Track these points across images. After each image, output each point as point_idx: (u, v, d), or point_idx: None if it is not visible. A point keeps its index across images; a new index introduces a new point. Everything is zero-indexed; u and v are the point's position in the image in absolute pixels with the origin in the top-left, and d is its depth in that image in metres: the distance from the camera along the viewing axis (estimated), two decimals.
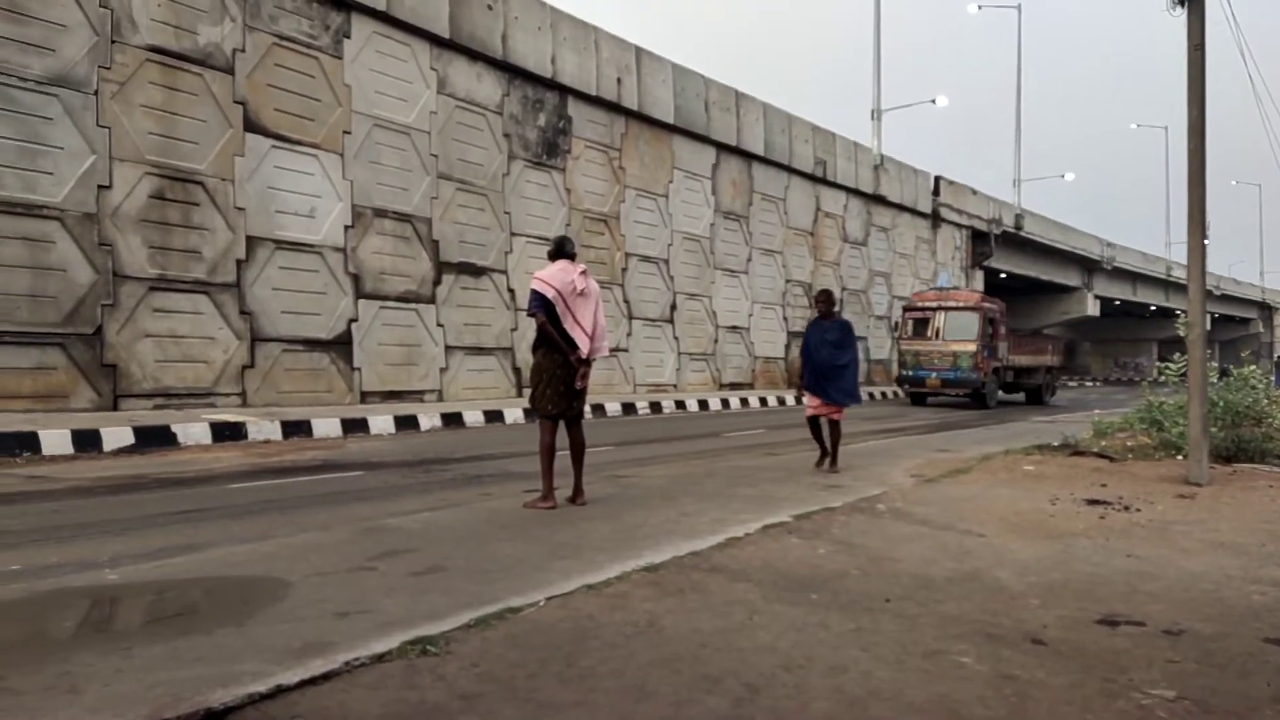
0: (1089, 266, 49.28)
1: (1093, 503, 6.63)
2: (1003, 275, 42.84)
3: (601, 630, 3.36)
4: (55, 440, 9.43)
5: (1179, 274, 52.03)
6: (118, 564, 4.54)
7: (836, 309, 8.70)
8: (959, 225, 37.61)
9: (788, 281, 27.30)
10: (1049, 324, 51.87)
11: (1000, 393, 24.49)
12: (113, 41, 12.21)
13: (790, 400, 21.78)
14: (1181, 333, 8.59)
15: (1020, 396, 26.05)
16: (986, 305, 22.99)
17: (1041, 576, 4.42)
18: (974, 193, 38.18)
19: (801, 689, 2.86)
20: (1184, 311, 8.58)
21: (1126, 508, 6.44)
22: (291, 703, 2.65)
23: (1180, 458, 8.84)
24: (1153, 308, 58.38)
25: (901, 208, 33.50)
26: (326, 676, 2.83)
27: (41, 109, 11.50)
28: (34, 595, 3.87)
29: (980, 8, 41.23)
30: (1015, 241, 41.20)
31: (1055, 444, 10.32)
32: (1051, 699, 2.83)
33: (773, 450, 10.69)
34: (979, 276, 39.97)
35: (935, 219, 35.89)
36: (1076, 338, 62.99)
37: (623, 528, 5.39)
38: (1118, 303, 55.32)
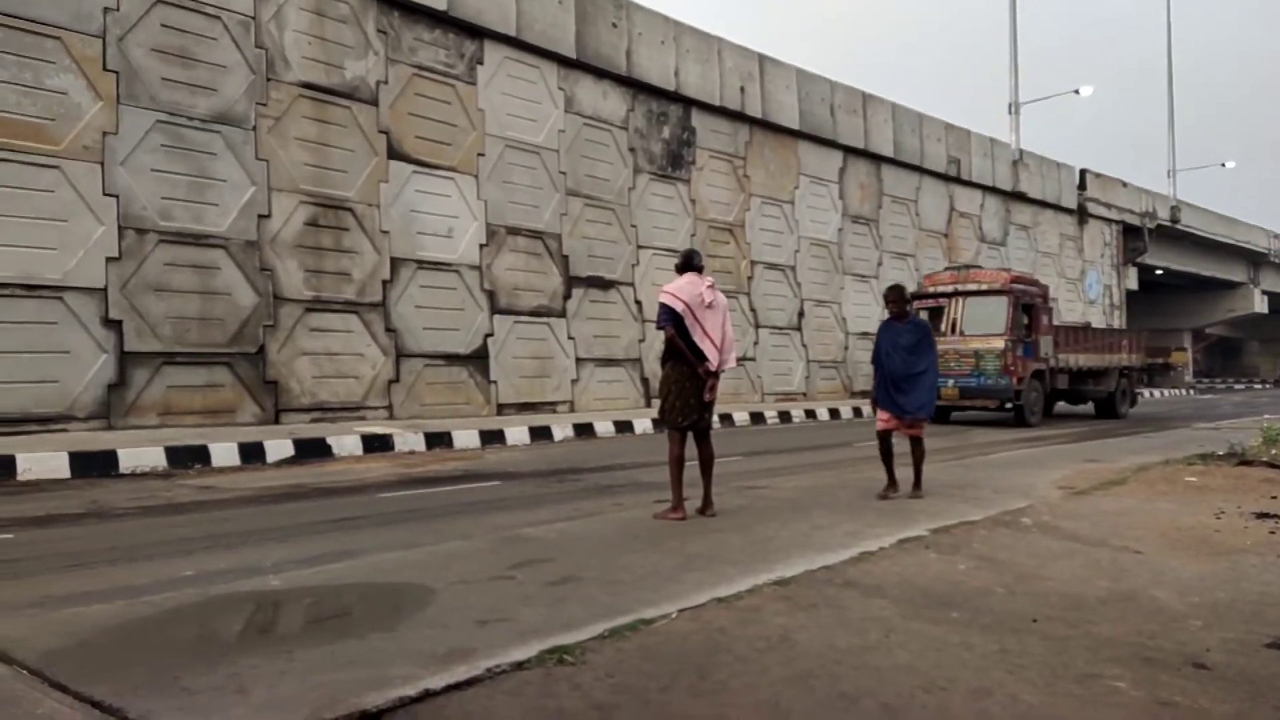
0: (1255, 260, 45.69)
1: (1262, 516, 6.13)
2: (1159, 272, 40.28)
3: (733, 644, 3.36)
4: (223, 453, 10.19)
5: None
6: (281, 570, 4.86)
7: (911, 307, 7.61)
8: (1108, 220, 35.58)
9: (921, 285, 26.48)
10: (1211, 323, 48.48)
11: (1059, 402, 19.72)
12: (268, 79, 13.13)
13: None
14: None
15: (1088, 407, 20.68)
16: (1020, 286, 17.30)
17: (1205, 596, 4.13)
18: (1124, 185, 36.06)
19: (943, 712, 2.78)
20: None
21: None
22: (438, 706, 2.78)
23: None
24: None
25: (1044, 204, 31.99)
26: (470, 682, 2.95)
27: (206, 145, 12.48)
28: (207, 600, 4.19)
29: None
30: (1172, 235, 38.64)
31: (1220, 453, 9.61)
32: None
33: (907, 460, 10.38)
34: (1132, 274, 37.71)
35: (1082, 215, 34.08)
36: (1242, 337, 58.45)
37: (753, 540, 5.37)
38: None
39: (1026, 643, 3.42)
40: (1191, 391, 38.02)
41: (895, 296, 7.36)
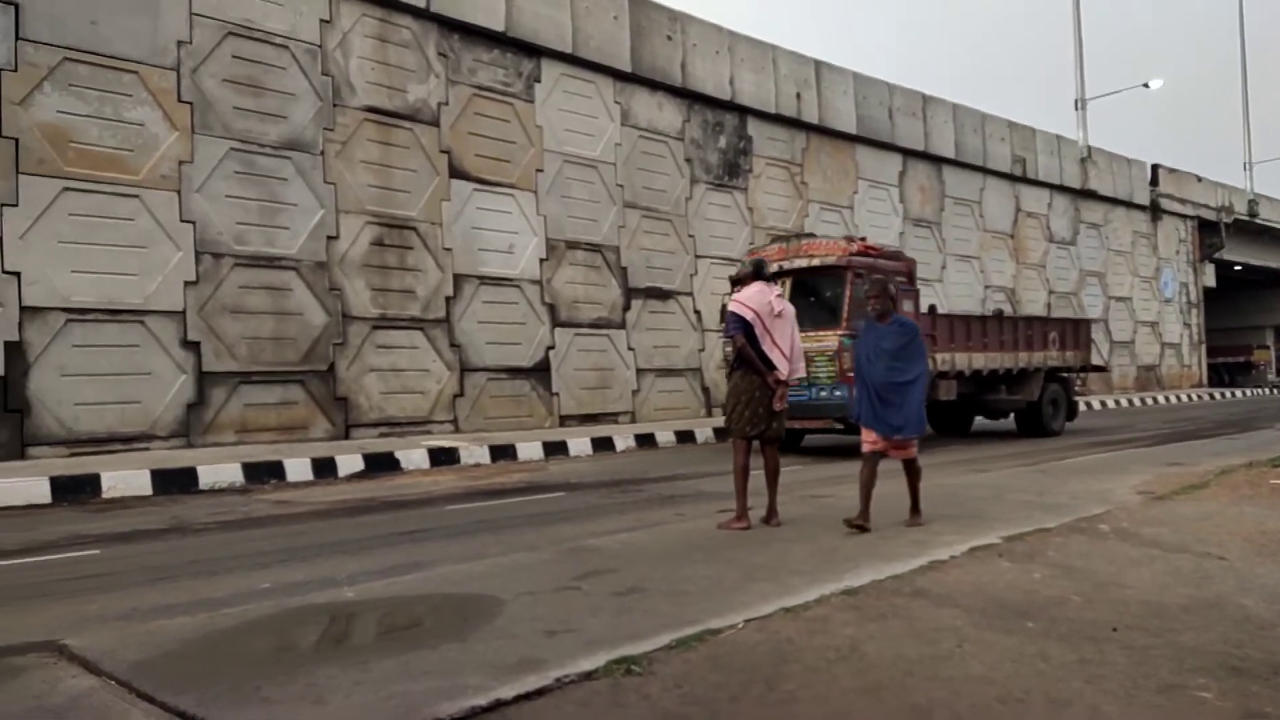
0: None
1: None
2: (1237, 268, 38.77)
3: (802, 654, 3.33)
4: (297, 468, 10.46)
5: None
6: (354, 581, 4.97)
7: (903, 305, 6.24)
8: (1183, 216, 34.42)
9: (986, 288, 25.95)
10: None
11: (977, 417, 15.47)
12: (334, 105, 13.50)
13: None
14: None
15: (1009, 422, 15.89)
16: (866, 259, 12.10)
17: None
18: (1199, 180, 34.86)
19: None
20: None
21: None
22: (509, 716, 2.82)
23: None
24: None
25: (1115, 201, 31.09)
26: (540, 692, 2.98)
27: (277, 171, 12.88)
28: (285, 611, 4.30)
29: None
30: (1250, 230, 37.20)
31: None
32: None
33: (979, 466, 10.17)
34: (1210, 270, 36.38)
35: (1155, 211, 33.04)
36: None
37: (819, 549, 5.31)
38: None
39: (1106, 652, 3.32)
40: (1275, 390, 36.47)
41: (878, 292, 6.25)
